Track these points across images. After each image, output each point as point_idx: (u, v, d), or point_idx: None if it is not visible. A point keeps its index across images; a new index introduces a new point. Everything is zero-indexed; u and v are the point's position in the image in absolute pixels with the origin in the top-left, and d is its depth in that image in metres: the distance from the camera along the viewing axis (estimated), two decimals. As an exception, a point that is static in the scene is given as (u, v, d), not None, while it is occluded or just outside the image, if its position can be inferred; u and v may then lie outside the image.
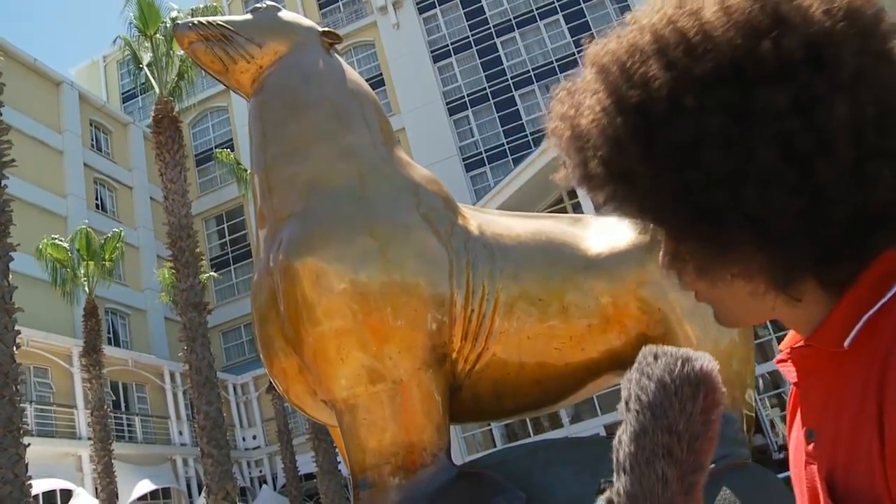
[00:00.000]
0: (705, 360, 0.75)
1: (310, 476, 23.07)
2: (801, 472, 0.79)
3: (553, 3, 35.30)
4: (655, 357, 0.76)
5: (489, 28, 35.93)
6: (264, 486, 27.55)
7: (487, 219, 3.39)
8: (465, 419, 3.37)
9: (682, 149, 0.71)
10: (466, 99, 35.08)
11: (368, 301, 2.90)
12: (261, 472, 29.02)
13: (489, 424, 21.57)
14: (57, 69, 31.52)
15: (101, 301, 22.19)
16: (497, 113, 34.44)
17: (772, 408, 19.06)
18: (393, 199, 3.15)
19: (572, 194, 21.70)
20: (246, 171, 21.46)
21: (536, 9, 35.49)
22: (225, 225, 37.17)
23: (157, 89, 17.76)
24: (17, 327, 10.96)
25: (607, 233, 3.22)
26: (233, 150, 29.10)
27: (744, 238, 0.72)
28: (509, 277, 3.12)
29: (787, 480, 1.00)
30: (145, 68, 18.09)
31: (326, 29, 3.69)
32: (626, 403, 0.75)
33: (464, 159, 34.01)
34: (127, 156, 34.72)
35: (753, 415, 3.39)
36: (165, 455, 25.37)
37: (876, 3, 0.72)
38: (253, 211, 3.62)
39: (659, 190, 0.74)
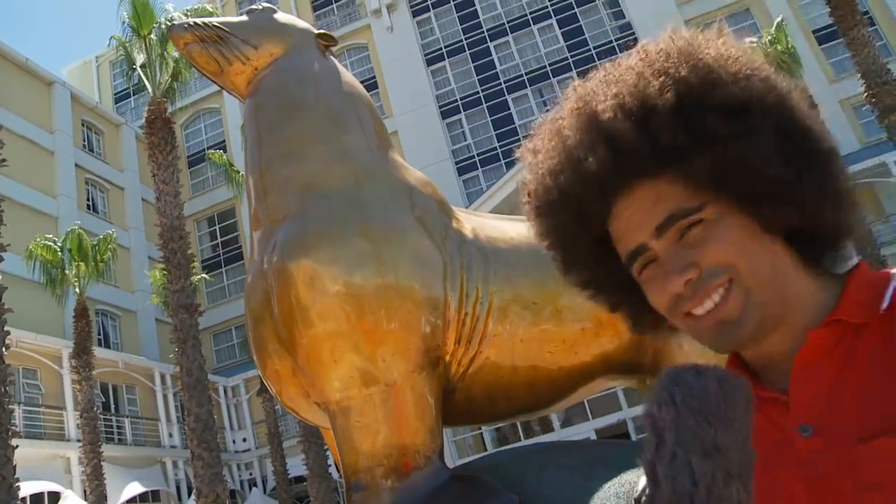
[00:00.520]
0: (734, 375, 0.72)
1: (300, 479, 23.01)
2: (777, 477, 0.80)
3: (547, 7, 35.40)
4: (698, 373, 0.71)
5: (483, 32, 35.99)
6: (254, 488, 27.41)
7: (482, 222, 3.39)
8: (458, 422, 3.36)
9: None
10: (459, 102, 35.12)
11: (362, 303, 2.90)
12: (251, 474, 28.88)
13: (480, 428, 21.57)
14: (49, 69, 31.45)
15: (91, 302, 22.06)
16: (490, 117, 34.50)
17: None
18: (388, 202, 3.15)
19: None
20: (238, 172, 21.38)
21: (530, 13, 35.59)
22: (217, 227, 37.06)
23: (150, 90, 17.70)
24: (6, 328, 10.91)
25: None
26: (225, 152, 29.02)
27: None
28: (503, 281, 3.12)
29: None
30: (138, 69, 18.01)
31: (322, 31, 3.69)
32: (674, 420, 0.68)
33: (456, 163, 34.03)
34: (119, 157, 34.59)
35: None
36: (155, 457, 25.23)
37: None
38: (245, 213, 3.61)
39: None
